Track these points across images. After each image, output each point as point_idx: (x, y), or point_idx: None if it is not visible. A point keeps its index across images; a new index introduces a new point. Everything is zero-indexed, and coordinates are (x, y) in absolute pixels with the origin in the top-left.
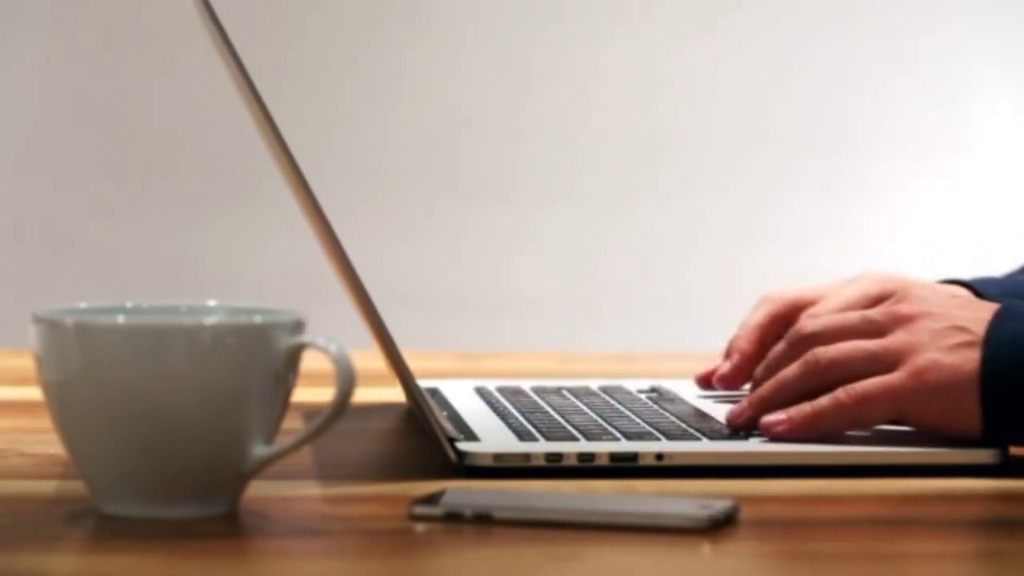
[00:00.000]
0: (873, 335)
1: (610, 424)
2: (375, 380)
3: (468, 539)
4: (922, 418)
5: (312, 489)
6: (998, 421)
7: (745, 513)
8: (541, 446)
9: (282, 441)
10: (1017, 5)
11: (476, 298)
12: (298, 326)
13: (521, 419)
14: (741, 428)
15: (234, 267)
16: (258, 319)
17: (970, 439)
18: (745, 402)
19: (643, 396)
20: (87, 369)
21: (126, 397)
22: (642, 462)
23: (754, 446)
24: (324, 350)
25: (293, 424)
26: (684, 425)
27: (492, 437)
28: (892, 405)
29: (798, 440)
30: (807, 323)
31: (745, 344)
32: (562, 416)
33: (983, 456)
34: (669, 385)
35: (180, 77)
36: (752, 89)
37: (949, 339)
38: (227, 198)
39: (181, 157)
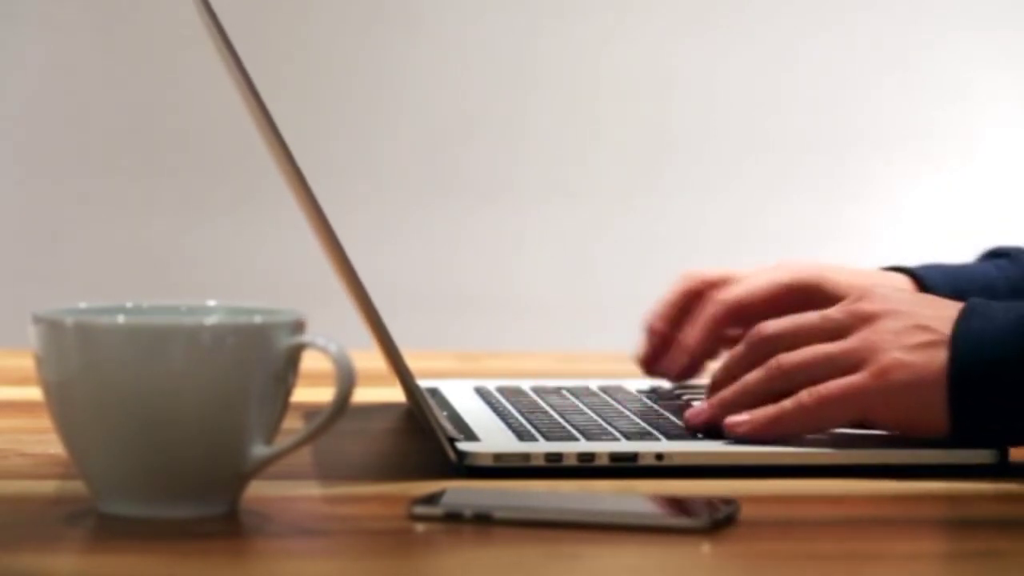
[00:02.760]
0: (833, 334)
1: (610, 424)
2: (375, 380)
3: (468, 539)
4: (887, 419)
5: (312, 489)
6: (966, 421)
7: (745, 513)
8: (541, 446)
9: (282, 441)
10: (1018, 6)
11: (476, 298)
12: (298, 326)
13: (521, 419)
14: (700, 429)
15: (234, 267)
16: (258, 319)
17: (936, 439)
18: (705, 403)
19: (643, 396)
20: (87, 369)
21: (126, 397)
22: (642, 462)
23: (754, 446)
24: (324, 350)
25: (293, 424)
26: (684, 425)
27: (492, 437)
28: (856, 406)
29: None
30: (766, 325)
31: (658, 323)
32: (562, 416)
33: (983, 456)
34: (669, 385)
35: (180, 77)
36: (753, 89)
37: (913, 338)
38: (227, 198)
39: (181, 157)
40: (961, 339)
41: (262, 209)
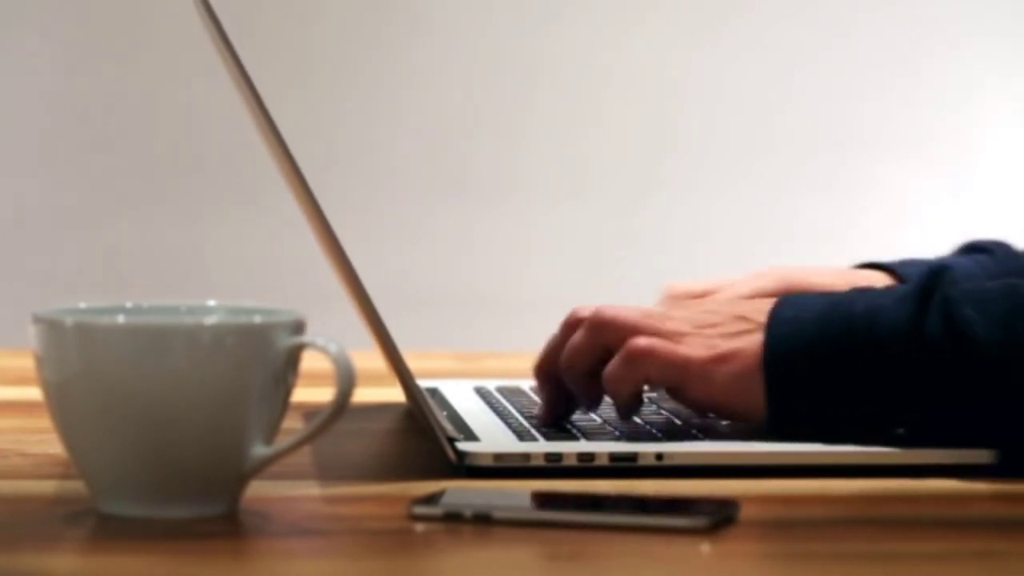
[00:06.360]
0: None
1: (610, 424)
2: (375, 380)
3: (468, 539)
4: (704, 398)
5: (312, 489)
6: (782, 404)
7: (745, 513)
8: (541, 446)
9: (282, 441)
10: (1021, 8)
11: (477, 298)
12: (298, 326)
13: (521, 419)
14: (560, 413)
15: (234, 267)
16: (258, 319)
17: (753, 423)
18: (546, 386)
19: (643, 396)
20: (87, 369)
21: (126, 397)
22: (642, 462)
23: (754, 446)
24: (324, 350)
25: (293, 424)
26: (684, 425)
27: (492, 437)
28: (678, 371)
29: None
30: (581, 307)
31: None
32: None
33: (981, 456)
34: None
35: (179, 77)
36: (759, 91)
37: (732, 326)
38: (227, 198)
39: (181, 158)
40: (774, 324)
41: (262, 209)
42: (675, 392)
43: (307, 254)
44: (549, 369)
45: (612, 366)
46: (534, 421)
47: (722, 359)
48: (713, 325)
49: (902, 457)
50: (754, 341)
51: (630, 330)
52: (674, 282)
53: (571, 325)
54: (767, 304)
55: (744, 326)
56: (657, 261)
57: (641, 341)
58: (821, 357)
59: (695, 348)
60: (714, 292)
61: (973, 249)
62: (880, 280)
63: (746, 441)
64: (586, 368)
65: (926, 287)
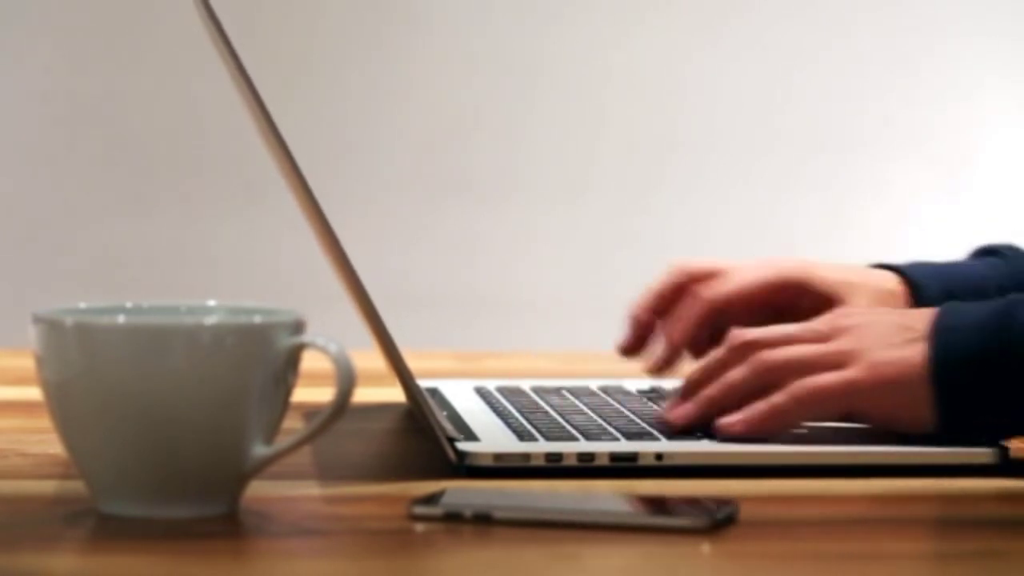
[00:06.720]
0: (815, 340)
1: (610, 424)
2: (375, 380)
3: (468, 539)
4: (875, 412)
5: (312, 489)
6: (951, 413)
7: (745, 513)
8: (541, 446)
9: (282, 441)
10: (1021, 8)
11: (477, 298)
12: (298, 326)
13: (521, 419)
14: (684, 428)
15: (235, 267)
16: (258, 319)
17: (923, 432)
18: (691, 402)
19: (643, 396)
20: (87, 369)
21: (126, 397)
22: (642, 462)
23: (754, 446)
24: (324, 350)
25: (293, 424)
26: (666, 424)
27: (492, 437)
28: (846, 399)
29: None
30: (747, 330)
31: (642, 314)
32: (562, 416)
33: (983, 456)
34: (669, 385)
35: (180, 77)
36: (760, 90)
37: (896, 336)
38: (227, 199)
39: (181, 158)
40: (939, 332)
41: (262, 209)
42: (849, 416)
43: (307, 254)
44: (700, 386)
45: (779, 404)
46: (653, 420)
47: (887, 372)
48: (880, 335)
49: (903, 457)
50: (919, 351)
51: (796, 368)
52: (681, 262)
53: (735, 350)
54: (929, 313)
55: (909, 335)
56: (657, 261)
57: (814, 382)
58: (983, 365)
59: (861, 368)
60: (719, 272)
61: (985, 253)
62: (888, 280)
63: (746, 441)
64: (739, 401)
65: None
